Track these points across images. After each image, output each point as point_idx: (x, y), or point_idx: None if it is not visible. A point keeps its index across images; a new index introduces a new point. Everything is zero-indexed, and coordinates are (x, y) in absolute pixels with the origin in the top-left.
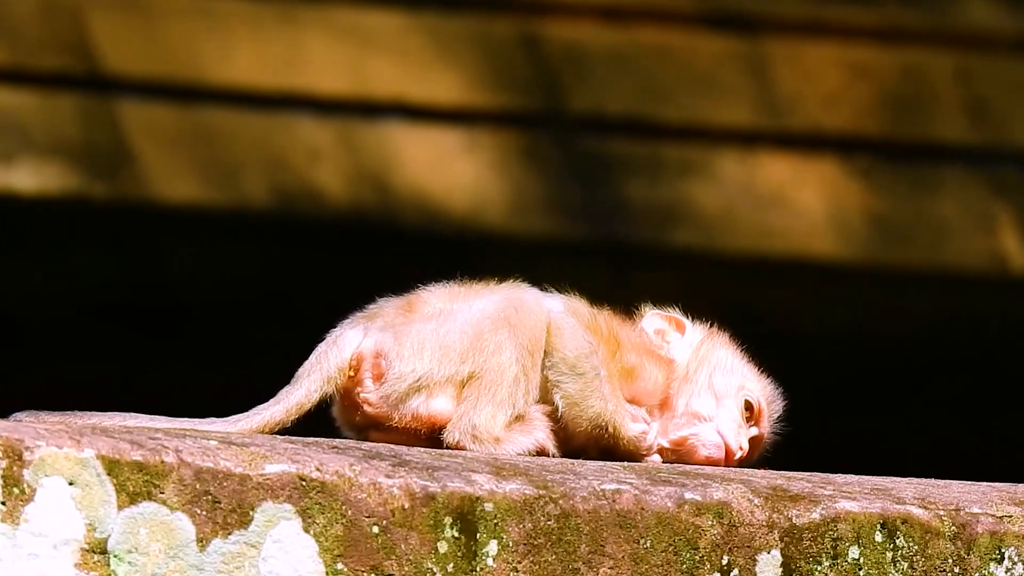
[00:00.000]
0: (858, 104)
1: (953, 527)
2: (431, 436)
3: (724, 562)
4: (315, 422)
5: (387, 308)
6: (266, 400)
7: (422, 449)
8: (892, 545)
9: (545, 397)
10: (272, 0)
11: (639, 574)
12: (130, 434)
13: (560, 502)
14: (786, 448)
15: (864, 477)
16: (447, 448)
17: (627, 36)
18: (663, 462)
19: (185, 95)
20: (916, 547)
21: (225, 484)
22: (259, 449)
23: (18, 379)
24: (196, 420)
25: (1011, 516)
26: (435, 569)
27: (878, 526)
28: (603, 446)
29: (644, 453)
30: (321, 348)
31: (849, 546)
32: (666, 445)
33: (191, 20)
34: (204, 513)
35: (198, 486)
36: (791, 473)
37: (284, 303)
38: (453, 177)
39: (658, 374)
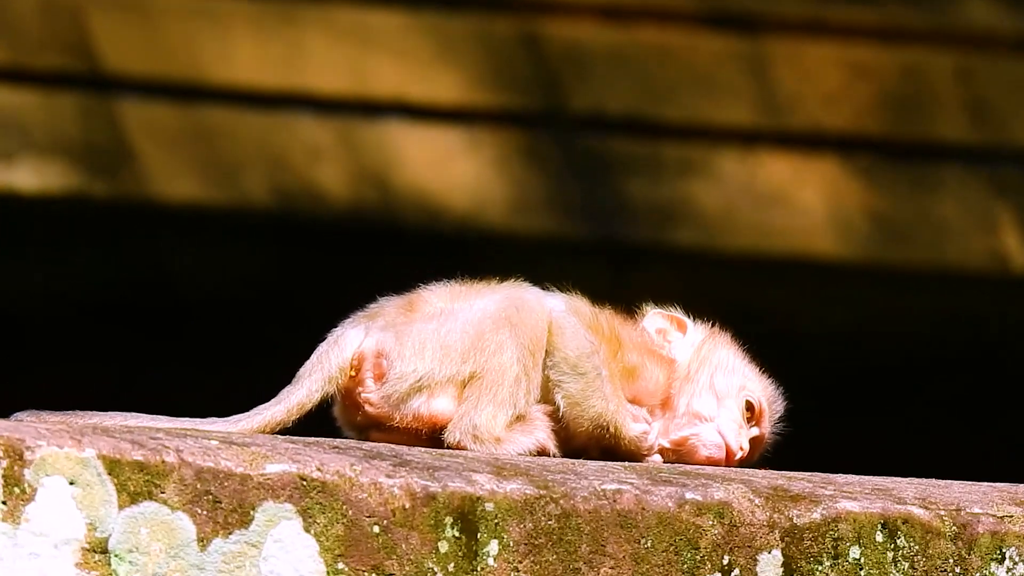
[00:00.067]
0: (859, 104)
1: (954, 527)
2: (432, 436)
3: (725, 562)
4: (316, 422)
5: (388, 308)
6: (267, 400)
7: (423, 449)
8: (893, 545)
9: (546, 397)
10: None
11: (640, 574)
12: (131, 434)
13: (561, 502)
14: (787, 448)
15: (865, 477)
16: (448, 448)
17: (627, 35)
18: (664, 462)
19: (185, 94)
20: (917, 547)
21: (226, 484)
22: (260, 449)
23: (18, 378)
24: (197, 420)
25: (1012, 516)
26: (436, 569)
27: (879, 526)
28: (604, 446)
29: (645, 453)
30: (322, 348)
31: (850, 546)
32: (667, 445)
33: (191, 19)
34: (205, 513)
35: (199, 486)
36: (792, 473)
37: (285, 302)
38: (454, 176)
39: (659, 374)
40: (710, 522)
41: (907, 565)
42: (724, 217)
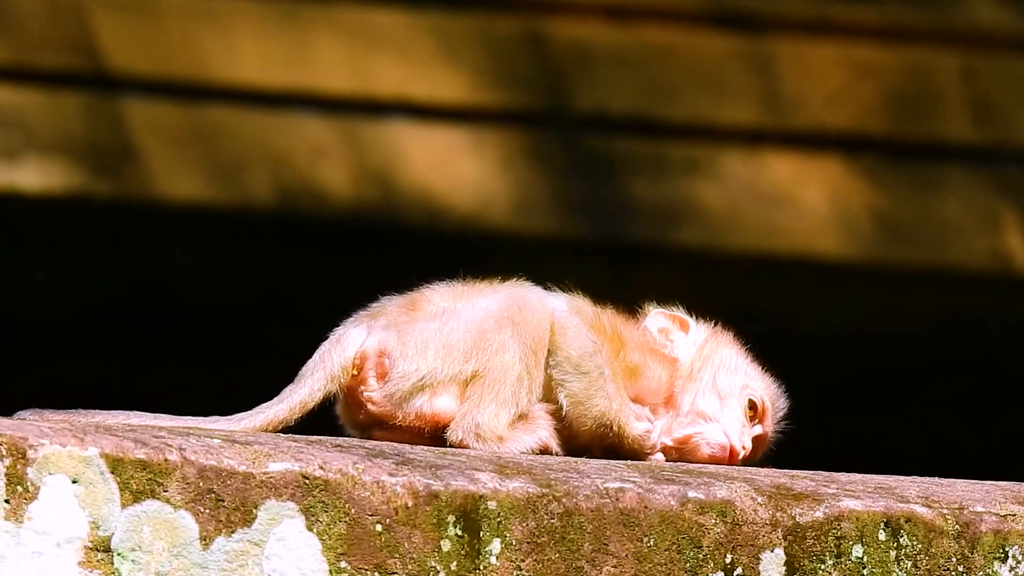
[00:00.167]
0: (862, 103)
1: (957, 526)
2: (435, 435)
3: (728, 561)
4: (319, 421)
5: (391, 307)
6: (269, 399)
7: (426, 448)
8: (896, 544)
9: (549, 396)
10: None
11: (643, 573)
12: (134, 432)
13: (563, 500)
14: (789, 447)
15: (868, 476)
16: (451, 447)
17: (631, 35)
18: (667, 461)
19: (189, 93)
20: (920, 546)
21: (229, 482)
22: (263, 447)
23: (21, 377)
24: (200, 418)
25: (1015, 515)
26: (438, 567)
27: (882, 525)
28: (607, 444)
29: (648, 452)
30: (325, 347)
31: (853, 545)
32: (670, 444)
33: (195, 18)
34: (208, 511)
35: (201, 484)
36: (795, 472)
37: (287, 302)
38: (457, 176)
39: (662, 373)
40: (713, 521)
41: (910, 564)
42: (727, 217)
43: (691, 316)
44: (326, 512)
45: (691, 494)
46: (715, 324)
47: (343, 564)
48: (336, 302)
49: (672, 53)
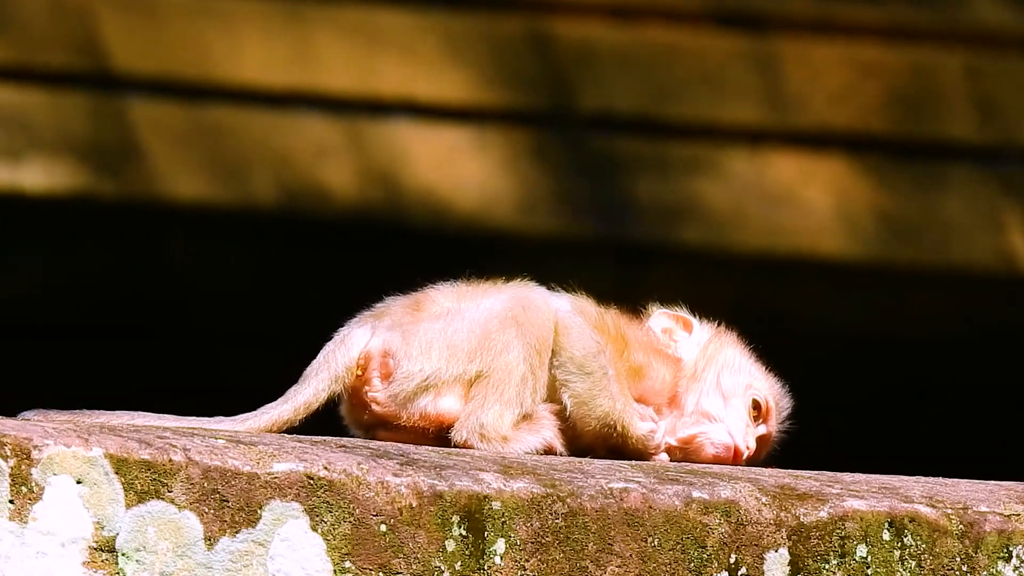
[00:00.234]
0: (866, 102)
1: (961, 526)
2: (439, 435)
3: (732, 560)
4: (323, 421)
5: (395, 307)
6: (273, 399)
7: (430, 448)
8: (900, 543)
9: (553, 396)
10: None
11: (647, 572)
12: (138, 433)
13: (568, 500)
14: (793, 446)
15: (871, 476)
16: (455, 447)
17: (635, 35)
18: (671, 461)
19: (193, 93)
20: (924, 545)
21: (233, 483)
22: (267, 448)
23: (24, 376)
24: (204, 419)
25: (1019, 515)
26: (443, 567)
27: (886, 524)
28: (611, 445)
29: (652, 452)
30: (329, 347)
31: (857, 544)
32: (674, 444)
33: (199, 18)
34: (212, 511)
35: (206, 485)
36: (799, 472)
37: (291, 301)
38: (461, 175)
39: (666, 373)
40: (717, 521)
41: (914, 563)
42: (731, 216)
43: (695, 316)
44: (330, 512)
45: (695, 494)
46: (719, 324)
47: (347, 564)
48: (340, 302)
49: (676, 53)
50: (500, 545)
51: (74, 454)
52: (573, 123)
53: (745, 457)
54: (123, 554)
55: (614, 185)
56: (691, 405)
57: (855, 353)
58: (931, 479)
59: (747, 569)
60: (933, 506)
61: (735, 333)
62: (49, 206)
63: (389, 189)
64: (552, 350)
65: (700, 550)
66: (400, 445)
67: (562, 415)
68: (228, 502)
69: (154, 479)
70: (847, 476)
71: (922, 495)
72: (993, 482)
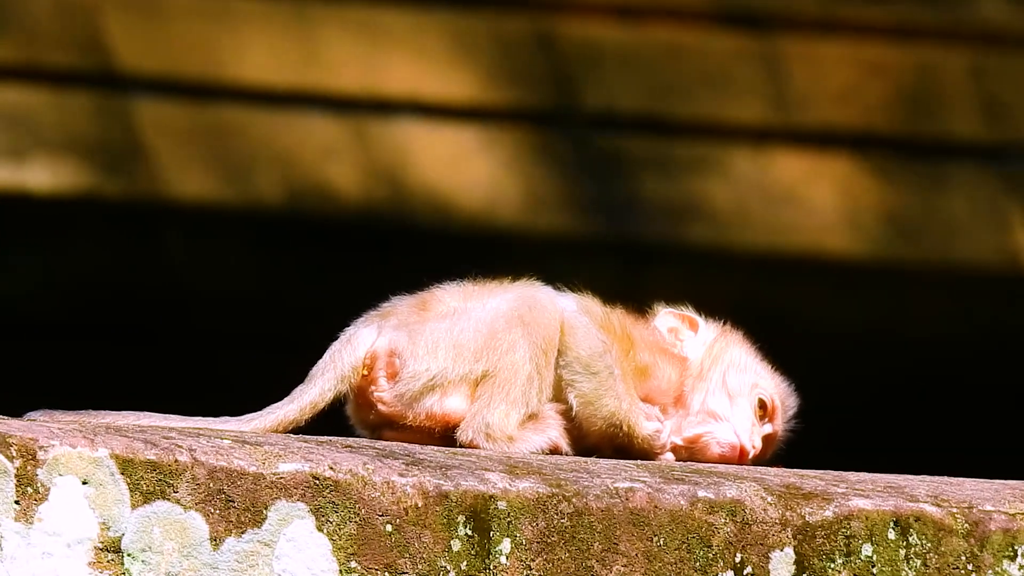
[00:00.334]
0: (871, 102)
1: (966, 524)
2: (445, 435)
3: (737, 560)
4: (329, 421)
5: (401, 307)
6: (279, 399)
7: (436, 448)
8: (905, 543)
9: (559, 396)
10: None
11: (652, 572)
12: (144, 433)
13: (574, 500)
14: (799, 445)
15: (877, 475)
16: (461, 447)
17: (640, 34)
18: (676, 460)
19: (198, 92)
20: (929, 545)
21: (239, 483)
22: (273, 448)
23: (24, 377)
24: (209, 419)
25: None
26: (448, 567)
27: (891, 524)
28: (617, 444)
29: (658, 451)
30: (335, 347)
31: (862, 544)
32: (680, 443)
33: (204, 18)
34: (218, 512)
35: (212, 485)
36: (804, 471)
37: (296, 301)
38: (467, 175)
39: (671, 372)
40: (723, 520)
41: (919, 563)
42: (736, 215)
43: (700, 315)
44: (336, 512)
45: (701, 493)
46: (724, 323)
47: (353, 564)
48: (346, 301)
49: (681, 52)
50: (506, 545)
51: (80, 455)
52: (578, 122)
53: (751, 456)
54: (129, 554)
55: (619, 184)
56: (697, 404)
57: (860, 352)
58: (936, 478)
59: (752, 568)
60: (938, 505)
61: (741, 332)
62: (54, 206)
63: (395, 188)
64: (558, 350)
65: (706, 549)
66: (406, 445)
67: (568, 415)
68: (234, 502)
69: (160, 479)
70: (852, 475)
71: (927, 494)
72: (998, 481)
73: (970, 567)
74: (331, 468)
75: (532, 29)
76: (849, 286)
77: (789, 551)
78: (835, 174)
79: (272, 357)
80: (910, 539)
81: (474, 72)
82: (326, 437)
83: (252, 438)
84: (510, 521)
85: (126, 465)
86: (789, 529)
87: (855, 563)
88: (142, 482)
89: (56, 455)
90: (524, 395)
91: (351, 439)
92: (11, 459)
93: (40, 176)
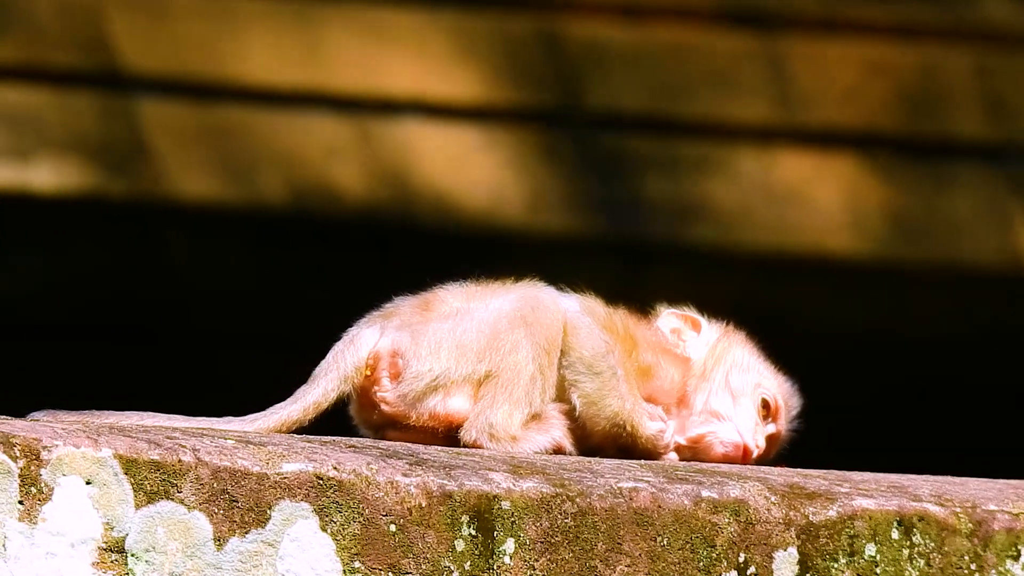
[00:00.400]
0: (875, 101)
1: (970, 524)
2: (448, 435)
3: (741, 560)
4: (332, 421)
5: (404, 307)
6: (282, 399)
7: (439, 448)
8: (909, 542)
9: (562, 396)
10: None
11: (656, 572)
12: (147, 433)
13: (577, 500)
14: (802, 445)
15: (880, 474)
16: (464, 447)
17: (645, 33)
18: (680, 460)
19: (202, 92)
20: (933, 544)
21: (242, 483)
22: (276, 448)
23: (24, 377)
24: (213, 419)
25: None
26: (452, 567)
27: (895, 523)
28: (620, 444)
29: (661, 451)
30: (338, 347)
31: (866, 543)
32: (683, 443)
33: (208, 17)
34: (221, 512)
35: (215, 485)
36: (807, 471)
37: (298, 301)
38: (470, 174)
39: (674, 373)
40: (726, 520)
41: (923, 562)
42: (740, 214)
43: (703, 315)
44: (340, 512)
45: (705, 493)
46: (727, 323)
47: (357, 564)
48: (349, 301)
49: (685, 52)
50: (510, 545)
51: (83, 455)
52: (582, 122)
53: (755, 456)
54: (133, 555)
55: (623, 184)
56: (700, 404)
57: (863, 351)
58: (940, 478)
59: (756, 568)
60: (942, 505)
61: (744, 332)
62: (58, 205)
63: (398, 188)
64: (561, 350)
65: (709, 549)
66: (409, 445)
67: (571, 415)
68: (238, 502)
69: (163, 480)
70: (856, 475)
71: (931, 494)
72: (1002, 481)
73: (973, 567)
74: (335, 468)
75: (536, 29)
76: (852, 286)
77: (793, 551)
78: (839, 174)
79: (273, 357)
80: (914, 539)
81: (478, 72)
82: (330, 437)
83: (256, 438)
84: (514, 521)
85: (130, 465)
86: (793, 529)
87: (859, 563)
88: (146, 482)
89: (60, 455)
90: (527, 395)
91: (355, 439)
92: (15, 459)
93: (44, 176)
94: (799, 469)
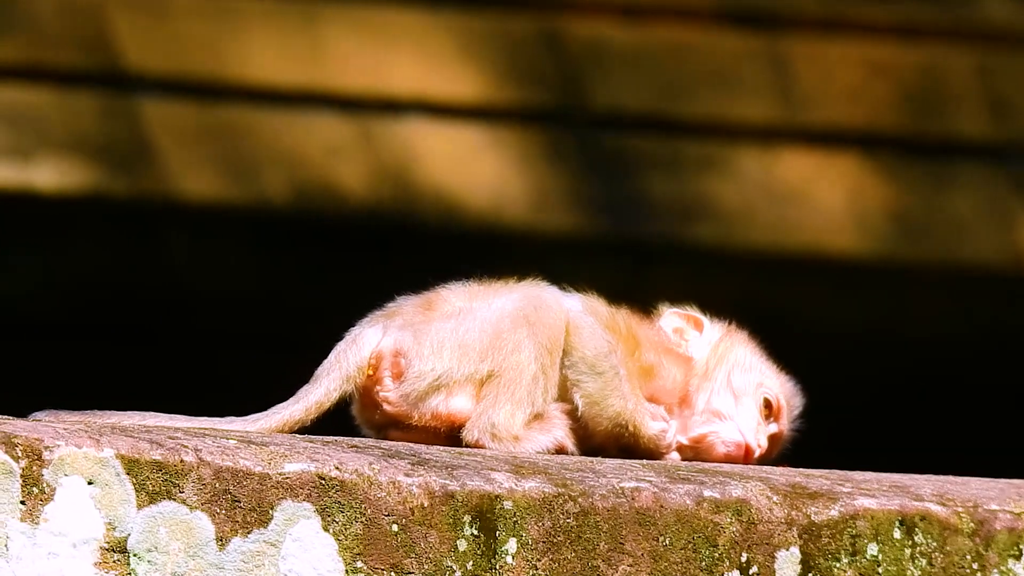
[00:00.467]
0: (878, 101)
1: (971, 524)
2: (450, 435)
3: (743, 559)
4: (334, 421)
5: (406, 306)
6: (284, 399)
7: (441, 448)
8: (911, 542)
9: (564, 396)
10: None
11: (658, 572)
12: (149, 433)
13: (579, 500)
14: (804, 445)
15: (882, 474)
16: (466, 447)
17: (647, 33)
18: (682, 460)
19: (205, 92)
20: (935, 544)
21: (245, 483)
22: (278, 448)
23: (28, 376)
24: (215, 419)
25: None
26: (455, 567)
27: (897, 523)
28: (623, 444)
29: (663, 451)
30: (340, 347)
31: (868, 543)
32: (685, 443)
33: (210, 16)
34: (224, 512)
35: (218, 485)
36: (809, 470)
37: (301, 300)
38: (473, 174)
39: (676, 372)
40: (728, 519)
41: (925, 562)
42: (743, 214)
43: (705, 315)
44: (342, 512)
45: (707, 493)
46: (729, 322)
47: (359, 564)
48: (351, 301)
49: (687, 51)
50: (512, 544)
51: (85, 455)
52: (585, 121)
53: (757, 456)
54: (135, 555)
55: (626, 183)
56: (702, 404)
57: (864, 351)
58: (941, 477)
59: (758, 568)
60: (944, 504)
61: (746, 331)
62: (60, 205)
63: (400, 188)
64: (563, 350)
65: (711, 549)
66: (412, 445)
67: (573, 415)
68: (240, 502)
69: (165, 480)
70: (858, 475)
71: (933, 493)
72: (1004, 480)
73: (975, 566)
74: (337, 468)
75: (538, 28)
76: (853, 285)
77: (795, 550)
78: (842, 173)
79: (273, 357)
80: (916, 538)
81: (480, 72)
82: (332, 437)
83: (258, 438)
84: (516, 521)
85: (132, 465)
86: (795, 528)
87: (861, 562)
88: (148, 482)
89: (62, 455)
90: (529, 395)
91: (357, 439)
92: (17, 459)
93: (45, 175)
94: (801, 469)
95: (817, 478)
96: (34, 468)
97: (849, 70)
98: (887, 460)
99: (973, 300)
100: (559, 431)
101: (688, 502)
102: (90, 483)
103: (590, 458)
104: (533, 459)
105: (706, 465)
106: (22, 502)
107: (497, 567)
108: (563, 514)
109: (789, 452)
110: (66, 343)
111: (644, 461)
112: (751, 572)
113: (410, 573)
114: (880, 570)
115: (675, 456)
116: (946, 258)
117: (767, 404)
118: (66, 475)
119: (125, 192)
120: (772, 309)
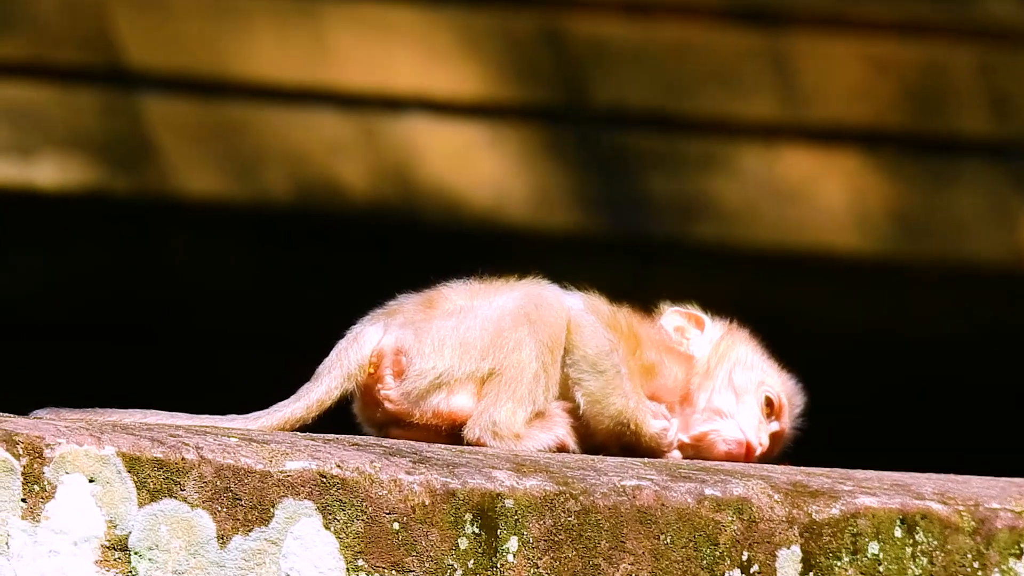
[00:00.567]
0: (879, 99)
1: (972, 522)
2: (452, 433)
3: (744, 558)
4: (336, 419)
5: (407, 305)
6: (285, 397)
7: (443, 446)
8: (912, 540)
9: (565, 394)
10: None
11: (659, 570)
12: (150, 431)
13: (580, 498)
14: (805, 443)
15: (883, 473)
16: (468, 445)
17: (649, 30)
18: (683, 458)
19: (207, 89)
20: (936, 542)
21: (246, 481)
22: (280, 446)
23: (28, 376)
24: (216, 417)
25: None
26: (455, 565)
27: (898, 521)
28: (624, 442)
29: (665, 449)
30: (341, 345)
31: (869, 541)
32: (686, 441)
33: (212, 14)
34: (225, 510)
35: (219, 483)
36: (811, 469)
37: (301, 300)
38: (475, 172)
39: (678, 371)
40: (729, 518)
41: (926, 560)
42: (744, 212)
43: (706, 313)
44: (343, 510)
45: (708, 491)
46: (731, 321)
47: (360, 562)
48: (352, 301)
49: (689, 49)
50: (513, 543)
51: (86, 453)
52: (586, 119)
53: (758, 454)
54: (136, 553)
55: (627, 181)
56: (703, 402)
57: (867, 350)
58: (942, 476)
59: (759, 566)
60: (945, 503)
61: (747, 330)
62: (62, 203)
63: (402, 185)
64: (565, 348)
65: (713, 547)
66: (413, 443)
67: (575, 413)
68: (241, 500)
69: (167, 477)
70: (859, 473)
71: (934, 492)
72: (1004, 479)
73: (976, 565)
74: (338, 466)
75: (540, 26)
76: (856, 283)
77: (796, 549)
78: (844, 171)
79: (273, 357)
80: (916, 537)
81: (482, 69)
82: (333, 435)
83: (259, 436)
84: (517, 519)
85: (133, 463)
86: (796, 527)
87: (862, 561)
88: (149, 480)
89: (63, 453)
90: (531, 393)
91: (358, 437)
92: (18, 457)
93: (48, 173)
94: (802, 467)
95: (818, 476)
96: (35, 466)
97: (851, 68)
98: (888, 460)
99: (974, 299)
100: (560, 429)
101: (689, 500)
102: (91, 481)
103: (591, 456)
104: (534, 457)
105: (707, 463)
106: (23, 500)
107: (498, 565)
108: (564, 512)
109: (790, 450)
110: (66, 343)
111: (645, 459)
112: (752, 570)
113: (411, 571)
114: (881, 569)
115: (676, 454)
116: (947, 257)
117: (768, 402)
118: (67, 473)
119: (127, 189)
120: (773, 307)
